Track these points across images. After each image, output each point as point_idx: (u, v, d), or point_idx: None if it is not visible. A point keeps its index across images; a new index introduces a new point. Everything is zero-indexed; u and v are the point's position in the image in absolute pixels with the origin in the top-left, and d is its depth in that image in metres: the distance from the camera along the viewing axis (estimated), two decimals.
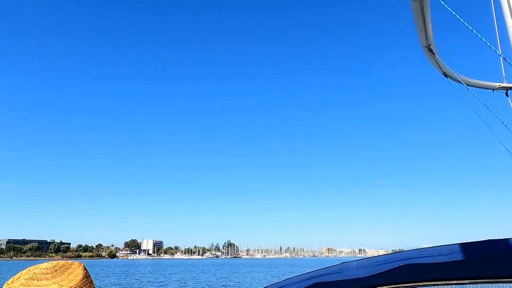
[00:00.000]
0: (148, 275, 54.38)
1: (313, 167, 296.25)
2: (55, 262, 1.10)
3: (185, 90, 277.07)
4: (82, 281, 1.08)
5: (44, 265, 1.09)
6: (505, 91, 4.85)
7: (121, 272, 60.25)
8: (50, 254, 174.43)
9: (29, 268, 1.11)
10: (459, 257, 1.01)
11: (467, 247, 1.05)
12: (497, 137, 3.98)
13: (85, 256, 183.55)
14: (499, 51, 3.31)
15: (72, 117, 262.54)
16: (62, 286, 1.04)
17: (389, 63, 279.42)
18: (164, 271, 61.69)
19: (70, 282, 1.06)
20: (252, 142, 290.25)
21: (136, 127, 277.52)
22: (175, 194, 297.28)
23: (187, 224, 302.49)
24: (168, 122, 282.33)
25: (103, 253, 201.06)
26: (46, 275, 1.05)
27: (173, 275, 51.98)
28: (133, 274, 55.69)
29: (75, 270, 1.10)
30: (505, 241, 0.99)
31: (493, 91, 4.90)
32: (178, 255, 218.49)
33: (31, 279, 1.04)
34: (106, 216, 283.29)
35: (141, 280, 45.01)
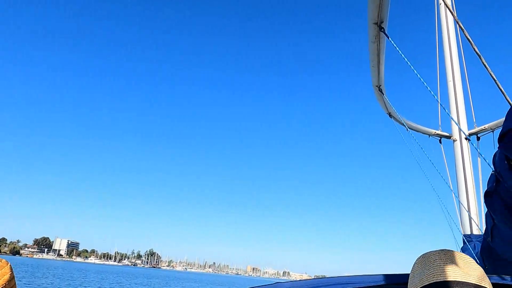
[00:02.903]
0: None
1: (245, 186, 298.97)
2: None
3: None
4: (9, 281, 0.91)
5: None
6: (439, 138, 5.31)
7: None
8: None
9: None
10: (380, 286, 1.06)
11: (388, 278, 1.11)
12: (428, 179, 4.30)
13: None
14: (438, 100, 3.61)
15: None
16: None
17: (345, 99, 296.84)
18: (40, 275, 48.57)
19: None
20: (185, 150, 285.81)
21: (61, 122, 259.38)
22: (103, 196, 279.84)
23: (109, 228, 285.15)
24: (93, 119, 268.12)
25: (5, 249, 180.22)
26: None
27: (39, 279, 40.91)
28: None
29: (3, 268, 0.93)
30: None
31: (429, 136, 5.33)
32: (91, 259, 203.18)
33: None
34: (18, 210, 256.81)
35: None
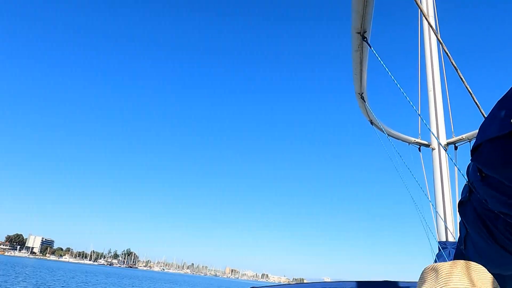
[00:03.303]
0: None
1: (226, 187, 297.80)
2: None
3: None
4: None
5: None
6: (418, 147, 5.43)
7: None
8: None
9: None
10: None
11: (365, 285, 1.11)
12: (406, 187, 4.39)
13: None
14: (418, 109, 3.70)
15: None
16: None
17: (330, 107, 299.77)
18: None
19: None
20: (164, 148, 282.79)
21: (36, 118, 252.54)
22: (81, 193, 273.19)
23: (86, 226, 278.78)
24: (70, 116, 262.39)
25: None
26: None
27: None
28: None
29: None
30: (401, 283, 1.05)
31: (409, 144, 5.44)
32: (66, 258, 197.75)
33: None
34: None
35: None
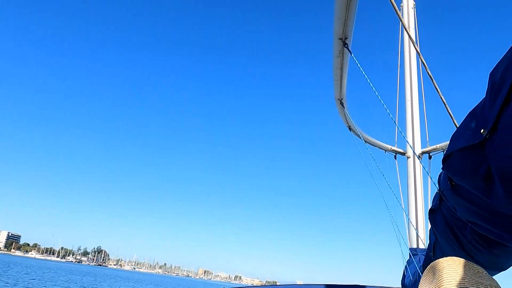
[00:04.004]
0: None
1: (200, 188, 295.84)
2: None
3: None
4: None
5: None
6: (394, 155, 5.56)
7: None
8: None
9: None
10: None
11: None
12: (381, 193, 4.47)
13: None
14: (396, 118, 3.79)
15: None
16: None
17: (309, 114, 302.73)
18: None
19: None
20: (138, 143, 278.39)
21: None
22: (51, 188, 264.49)
23: (56, 221, 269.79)
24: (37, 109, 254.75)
25: None
26: None
27: None
28: None
29: None
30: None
31: (385, 152, 5.57)
32: (32, 254, 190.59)
33: None
34: None
35: None
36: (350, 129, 5.12)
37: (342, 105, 4.59)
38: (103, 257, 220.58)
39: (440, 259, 0.98)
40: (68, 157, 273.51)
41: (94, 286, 43.61)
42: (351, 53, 2.62)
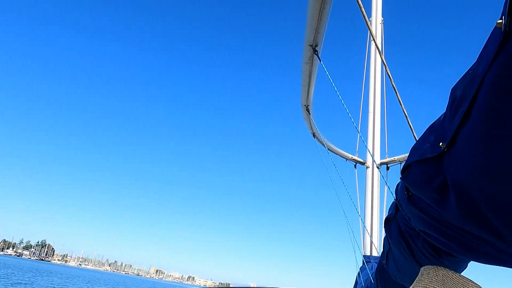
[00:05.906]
0: None
1: (155, 186, 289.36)
2: None
3: None
4: None
5: None
6: (355, 164, 5.74)
7: None
8: None
9: None
10: None
11: None
12: (339, 201, 4.58)
13: None
14: (358, 128, 3.90)
15: None
16: None
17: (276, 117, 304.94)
18: None
19: None
20: (90, 139, 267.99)
21: None
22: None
23: None
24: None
25: None
26: None
27: None
28: None
29: None
30: None
31: (346, 160, 5.73)
32: None
33: None
34: None
35: None
36: (314, 136, 5.22)
37: (308, 112, 4.65)
38: (47, 251, 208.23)
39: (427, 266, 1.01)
40: (16, 144, 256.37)
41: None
42: (320, 60, 2.66)
